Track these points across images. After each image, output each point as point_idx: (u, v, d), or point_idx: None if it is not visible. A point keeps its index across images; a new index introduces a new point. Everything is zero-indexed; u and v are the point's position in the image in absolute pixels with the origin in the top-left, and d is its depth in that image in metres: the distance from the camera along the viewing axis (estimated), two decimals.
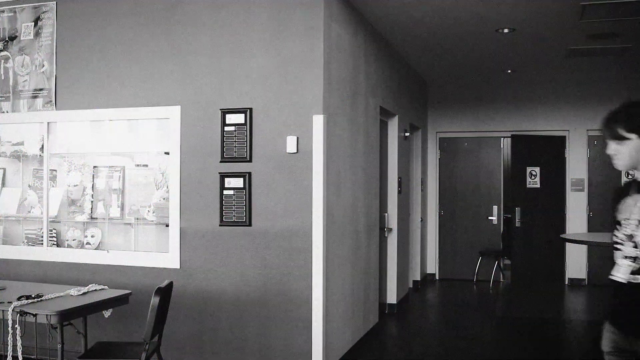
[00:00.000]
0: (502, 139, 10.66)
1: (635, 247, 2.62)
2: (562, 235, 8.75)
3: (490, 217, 10.58)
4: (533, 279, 10.04)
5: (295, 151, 5.06)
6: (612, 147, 2.76)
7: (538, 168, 10.18)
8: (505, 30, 6.89)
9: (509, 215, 10.32)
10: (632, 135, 2.71)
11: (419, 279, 9.82)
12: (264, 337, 5.17)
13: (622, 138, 2.72)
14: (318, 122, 5.04)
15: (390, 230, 7.91)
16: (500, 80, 10.23)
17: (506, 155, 11.06)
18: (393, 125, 8.00)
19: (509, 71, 9.38)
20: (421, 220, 9.94)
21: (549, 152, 10.25)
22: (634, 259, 2.63)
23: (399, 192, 8.09)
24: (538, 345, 6.58)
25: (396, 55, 8.02)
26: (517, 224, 10.06)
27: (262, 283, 5.17)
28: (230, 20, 5.30)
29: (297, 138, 5.06)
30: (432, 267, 10.75)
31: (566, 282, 10.20)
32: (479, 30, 6.94)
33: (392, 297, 8.02)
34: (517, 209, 10.08)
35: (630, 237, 2.64)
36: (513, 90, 10.36)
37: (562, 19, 6.42)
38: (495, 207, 10.57)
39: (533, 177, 10.18)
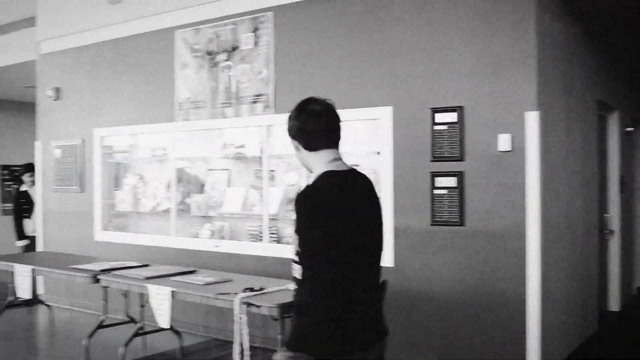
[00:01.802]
0: None
1: None
2: None
3: None
4: None
5: (507, 149, 4.92)
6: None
7: None
8: None
9: None
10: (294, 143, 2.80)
11: None
12: (475, 339, 5.09)
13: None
14: (532, 119, 4.86)
15: (611, 232, 7.42)
16: None
17: None
18: (613, 120, 7.51)
19: None
20: None
21: None
22: None
23: (621, 192, 7.57)
24: None
25: (615, 44, 7.50)
26: None
27: (474, 284, 5.10)
28: (436, 17, 5.27)
29: (511, 136, 4.91)
30: None
31: None
32: None
33: (614, 304, 7.53)
34: None
35: None
36: None
37: None
38: None
39: None
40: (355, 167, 2.84)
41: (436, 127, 5.21)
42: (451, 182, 5.12)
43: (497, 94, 4.99)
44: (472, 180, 5.08)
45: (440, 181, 5.17)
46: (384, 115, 5.48)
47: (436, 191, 5.20)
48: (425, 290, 5.31)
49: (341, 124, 2.83)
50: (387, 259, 5.45)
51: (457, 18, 5.17)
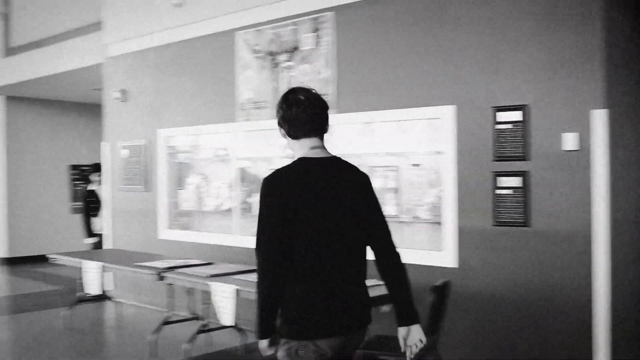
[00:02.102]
0: None
1: None
2: None
3: None
4: None
5: (573, 148, 4.81)
6: None
7: None
8: None
9: None
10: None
11: None
12: (538, 342, 4.99)
13: None
14: (599, 117, 4.74)
15: None
16: None
17: None
18: None
19: None
20: None
21: None
22: None
23: None
24: None
25: None
26: None
27: (539, 286, 5.00)
28: (499, 14, 5.19)
29: (577, 135, 4.80)
30: None
31: None
32: None
33: None
34: None
35: None
36: None
37: None
38: None
39: None
40: (339, 156, 2.87)
41: (499, 126, 5.13)
42: (516, 182, 5.04)
43: (562, 92, 4.89)
44: (536, 180, 4.99)
45: (503, 181, 5.10)
46: (446, 114, 5.43)
47: (499, 191, 5.13)
48: (488, 292, 5.24)
49: (327, 112, 2.86)
50: (451, 259, 5.40)
51: (521, 14, 5.09)
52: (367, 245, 2.89)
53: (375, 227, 2.87)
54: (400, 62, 5.76)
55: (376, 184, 5.97)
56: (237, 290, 5.05)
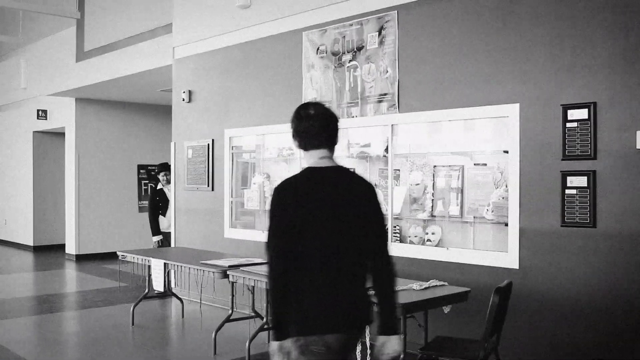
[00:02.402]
0: None
1: None
2: None
3: None
4: None
5: None
6: None
7: None
8: None
9: None
10: None
11: None
12: (605, 347, 4.83)
13: None
14: None
15: None
16: None
17: None
18: None
19: None
20: None
21: None
22: None
23: None
24: None
25: None
26: None
27: (606, 290, 4.84)
28: (570, 9, 5.05)
29: None
30: None
31: None
32: None
33: None
34: None
35: None
36: None
37: None
38: None
39: None
40: (342, 166, 3.06)
41: (568, 125, 5.00)
42: (582, 181, 4.90)
43: (634, 88, 4.73)
44: (605, 180, 4.84)
45: (572, 181, 4.96)
46: (512, 112, 5.33)
47: (567, 191, 4.99)
48: (552, 294, 5.11)
49: (337, 125, 3.05)
50: (511, 260, 5.30)
51: (590, 10, 4.95)
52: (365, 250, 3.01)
53: (374, 235, 3.00)
54: (466, 59, 5.69)
55: (439, 183, 5.97)
56: None
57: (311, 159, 3.04)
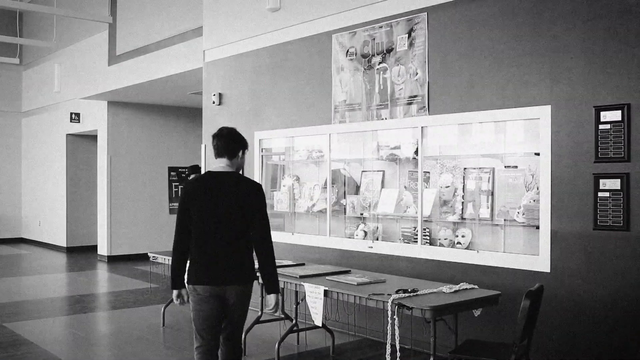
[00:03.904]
0: None
1: None
2: None
3: None
4: None
5: None
6: None
7: None
8: None
9: None
10: None
11: None
12: (637, 348, 4.77)
13: None
14: None
15: None
16: None
17: None
18: None
19: None
20: None
21: None
22: None
23: None
24: None
25: None
26: None
27: (637, 292, 4.77)
28: (603, 9, 4.98)
29: None
30: None
31: None
32: None
33: None
34: None
35: None
36: None
37: None
38: None
39: None
40: (234, 172, 4.28)
41: (601, 127, 4.94)
42: (615, 184, 4.83)
43: None
44: (639, 183, 4.76)
45: (605, 183, 4.90)
46: (543, 114, 5.28)
47: (600, 194, 4.93)
48: (585, 298, 5.05)
49: (236, 143, 4.31)
50: (543, 263, 5.24)
51: (623, 10, 4.88)
52: (249, 232, 4.19)
53: (256, 222, 4.18)
54: (496, 61, 5.64)
55: (470, 186, 5.93)
56: (326, 291, 5.07)
57: (216, 164, 4.30)
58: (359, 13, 6.84)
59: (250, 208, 4.16)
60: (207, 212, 4.10)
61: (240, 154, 4.31)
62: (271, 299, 4.24)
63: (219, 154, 4.29)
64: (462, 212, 6.04)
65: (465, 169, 6.09)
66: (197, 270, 4.12)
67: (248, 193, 4.18)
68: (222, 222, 4.10)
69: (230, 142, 4.28)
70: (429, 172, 6.33)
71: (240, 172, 4.39)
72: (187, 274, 4.16)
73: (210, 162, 9.01)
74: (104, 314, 8.19)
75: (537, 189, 5.39)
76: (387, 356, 4.51)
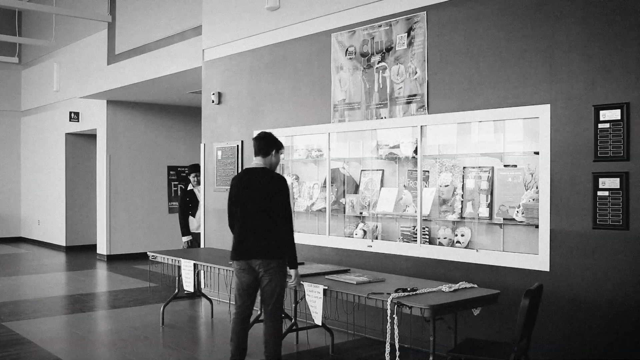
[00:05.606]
0: None
1: None
2: None
3: None
4: None
5: None
6: None
7: None
8: None
9: None
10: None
11: None
12: (638, 352, 4.78)
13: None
14: None
15: None
16: None
17: None
18: None
19: None
20: None
21: None
22: None
23: None
24: None
25: None
26: None
27: (638, 292, 4.77)
28: (602, 8, 4.98)
29: None
30: None
31: None
32: None
33: None
34: None
35: None
36: None
37: None
38: None
39: None
40: (267, 168, 5.20)
41: (600, 125, 4.94)
42: (615, 183, 4.83)
43: None
44: (638, 181, 4.77)
45: (604, 182, 4.90)
46: (542, 113, 5.28)
47: (600, 193, 4.93)
48: (584, 296, 5.05)
49: (269, 142, 5.23)
50: (542, 262, 5.25)
51: (623, 9, 4.88)
52: (275, 217, 5.06)
53: (280, 209, 5.07)
54: (496, 60, 5.64)
55: (469, 185, 5.93)
56: (325, 290, 5.08)
57: (253, 162, 5.26)
58: (358, 12, 6.84)
59: (275, 196, 5.05)
60: (241, 201, 5.12)
61: (273, 152, 5.20)
62: (293, 274, 5.17)
63: (255, 153, 5.21)
64: (462, 211, 6.04)
65: (464, 168, 6.09)
66: (234, 248, 5.14)
67: (274, 184, 5.09)
68: (252, 208, 5.05)
69: (263, 144, 5.19)
70: (428, 171, 6.33)
71: (273, 169, 5.27)
72: (231, 252, 5.20)
73: (210, 162, 9.02)
74: (103, 313, 8.19)
75: (537, 187, 5.40)
76: (386, 355, 4.51)
